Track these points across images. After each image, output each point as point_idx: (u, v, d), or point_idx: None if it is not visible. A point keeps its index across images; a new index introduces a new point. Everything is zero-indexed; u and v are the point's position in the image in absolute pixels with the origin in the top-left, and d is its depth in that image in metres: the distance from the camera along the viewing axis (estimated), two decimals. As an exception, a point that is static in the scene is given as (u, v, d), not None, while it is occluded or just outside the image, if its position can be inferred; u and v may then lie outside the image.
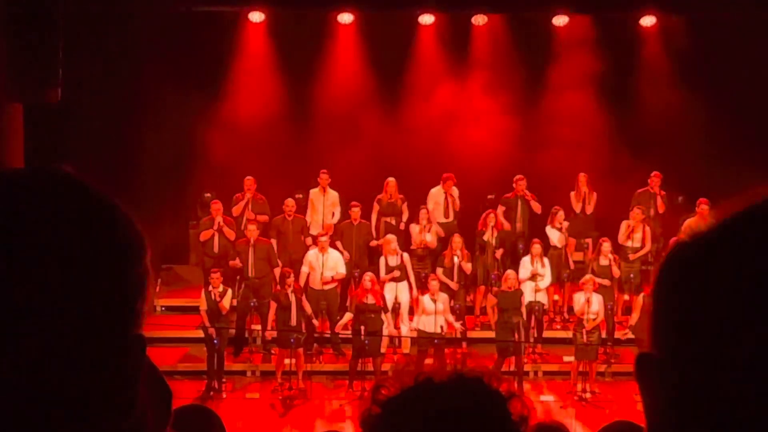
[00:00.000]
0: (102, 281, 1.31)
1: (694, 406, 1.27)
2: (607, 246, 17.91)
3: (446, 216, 19.08)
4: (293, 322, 16.70)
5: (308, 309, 16.99)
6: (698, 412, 1.27)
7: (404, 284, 17.82)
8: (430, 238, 18.53)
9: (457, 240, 18.02)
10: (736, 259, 1.25)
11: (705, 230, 1.31)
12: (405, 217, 19.05)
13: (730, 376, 1.23)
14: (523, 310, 17.12)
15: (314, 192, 19.01)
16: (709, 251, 1.29)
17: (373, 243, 18.77)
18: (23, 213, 1.29)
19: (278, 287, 17.16)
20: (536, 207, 19.12)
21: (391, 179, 19.26)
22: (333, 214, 18.99)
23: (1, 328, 1.25)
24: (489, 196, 20.00)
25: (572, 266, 18.66)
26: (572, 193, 19.39)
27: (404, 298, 17.73)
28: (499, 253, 18.50)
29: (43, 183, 1.34)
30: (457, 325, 17.34)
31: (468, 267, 18.02)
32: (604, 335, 17.22)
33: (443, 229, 18.77)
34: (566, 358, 17.43)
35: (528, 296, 17.43)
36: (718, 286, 1.25)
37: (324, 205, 18.86)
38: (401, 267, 17.83)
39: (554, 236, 18.63)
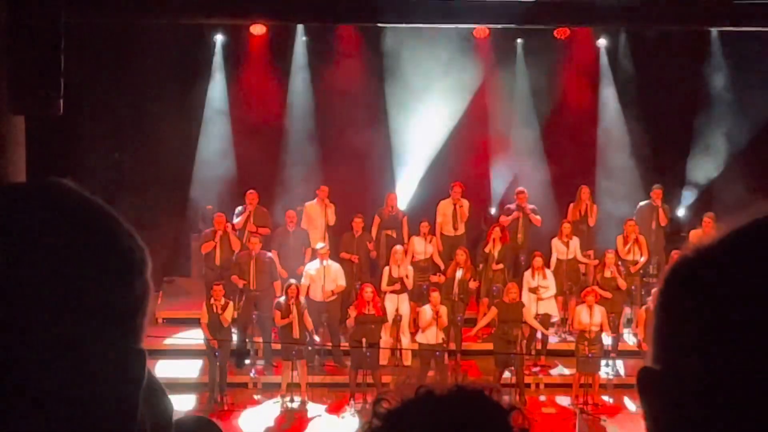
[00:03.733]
0: (102, 294, 1.31)
1: (694, 420, 1.27)
2: (610, 257, 17.91)
3: (454, 228, 19.06)
4: (296, 334, 16.69)
5: (309, 325, 16.93)
6: (698, 427, 1.27)
7: (405, 296, 17.84)
8: (432, 250, 18.57)
9: (461, 253, 18.01)
10: (739, 273, 1.25)
11: (708, 244, 1.30)
12: (405, 230, 19.03)
13: (730, 392, 1.23)
14: (530, 321, 17.12)
15: (311, 205, 18.95)
16: (712, 265, 1.28)
17: (374, 254, 18.78)
18: (23, 226, 1.29)
19: (279, 299, 17.16)
20: (536, 220, 19.14)
21: (393, 193, 19.31)
22: (330, 227, 18.95)
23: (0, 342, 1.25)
24: (490, 210, 20.18)
25: (581, 279, 18.66)
26: (571, 205, 19.41)
27: (405, 310, 17.74)
28: (499, 266, 18.50)
29: (44, 196, 1.34)
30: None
31: (474, 284, 18.04)
32: (608, 347, 17.22)
33: (448, 242, 18.76)
34: (568, 370, 17.42)
35: (533, 309, 17.46)
36: (720, 301, 1.25)
37: (322, 218, 18.80)
38: (403, 279, 17.84)
39: (560, 249, 18.64)
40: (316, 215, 18.83)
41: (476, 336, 18.21)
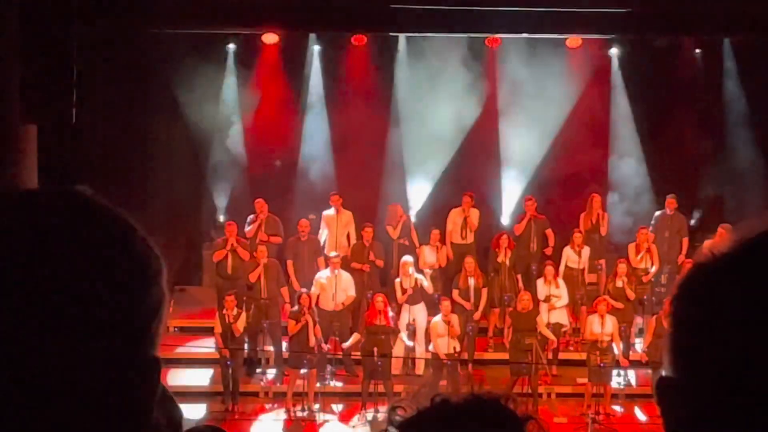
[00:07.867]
0: (118, 303, 1.30)
1: (712, 429, 1.27)
2: (622, 267, 17.84)
3: (462, 237, 19.03)
4: (311, 343, 16.64)
5: (318, 334, 16.85)
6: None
7: (420, 306, 17.75)
8: (441, 259, 18.54)
9: (470, 261, 17.99)
10: (755, 280, 1.25)
11: (723, 252, 1.30)
12: (414, 236, 18.99)
13: (748, 399, 1.23)
14: (543, 330, 17.06)
15: (328, 214, 18.96)
16: (726, 273, 1.28)
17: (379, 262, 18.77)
18: (40, 234, 1.29)
19: (289, 307, 17.12)
20: (549, 234, 19.14)
21: (396, 204, 19.27)
22: (348, 234, 18.93)
23: (17, 350, 1.25)
24: (500, 219, 20.19)
25: (593, 288, 18.57)
26: (582, 215, 19.34)
27: (420, 320, 17.66)
28: (512, 274, 18.47)
29: (59, 204, 1.34)
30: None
31: (485, 292, 18.01)
32: (619, 356, 17.14)
33: (458, 250, 18.72)
34: (580, 380, 17.36)
35: (545, 318, 17.42)
36: (737, 308, 1.25)
37: (338, 226, 18.81)
38: (416, 289, 17.75)
39: (572, 258, 18.59)
40: (331, 224, 18.83)
41: (487, 345, 18.22)
